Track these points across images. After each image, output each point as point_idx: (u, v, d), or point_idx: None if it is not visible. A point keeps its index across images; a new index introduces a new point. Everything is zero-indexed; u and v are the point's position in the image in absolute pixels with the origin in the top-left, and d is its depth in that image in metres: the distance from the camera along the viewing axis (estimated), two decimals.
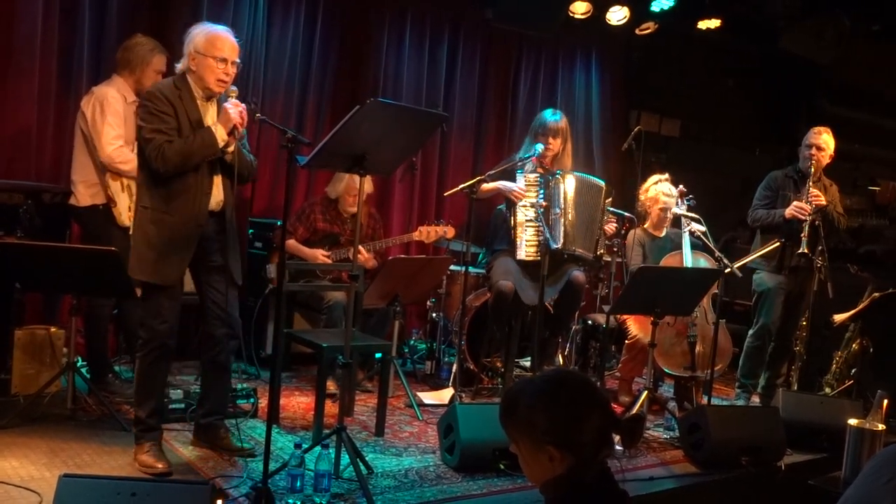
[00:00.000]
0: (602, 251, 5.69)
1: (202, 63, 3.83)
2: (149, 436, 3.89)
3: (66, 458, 3.91)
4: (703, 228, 5.66)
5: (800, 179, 5.88)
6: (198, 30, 3.90)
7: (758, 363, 6.00)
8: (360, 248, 5.26)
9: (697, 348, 5.55)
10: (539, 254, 5.24)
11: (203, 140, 3.78)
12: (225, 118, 3.81)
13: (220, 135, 3.80)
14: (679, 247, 5.75)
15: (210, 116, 3.92)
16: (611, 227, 5.68)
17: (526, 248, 5.39)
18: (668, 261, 5.71)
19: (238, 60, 3.91)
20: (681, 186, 5.87)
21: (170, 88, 3.84)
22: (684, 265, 5.61)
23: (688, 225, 5.72)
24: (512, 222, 5.45)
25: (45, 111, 5.35)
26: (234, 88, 3.91)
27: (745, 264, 5.72)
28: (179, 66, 3.92)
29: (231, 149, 3.87)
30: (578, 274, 5.46)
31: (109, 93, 4.75)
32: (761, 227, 5.99)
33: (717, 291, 5.49)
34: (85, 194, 4.82)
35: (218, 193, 3.96)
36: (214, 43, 3.83)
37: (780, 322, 5.93)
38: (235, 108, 3.82)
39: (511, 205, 5.47)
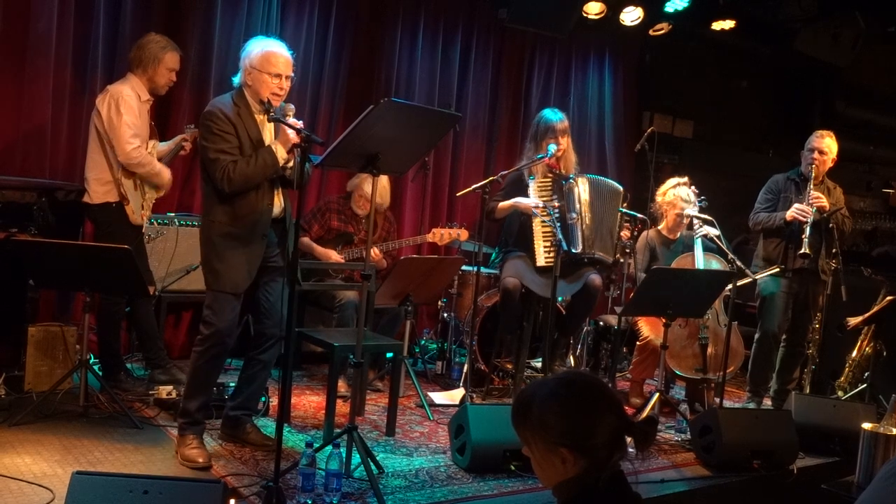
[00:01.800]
0: (618, 254, 5.67)
1: (258, 78, 3.94)
2: (194, 429, 4.00)
3: (79, 454, 3.93)
4: (717, 232, 5.63)
5: (801, 182, 5.83)
6: (253, 45, 4.01)
7: (766, 368, 5.96)
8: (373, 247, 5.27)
9: (709, 350, 5.53)
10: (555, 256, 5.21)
11: (265, 161, 3.90)
12: (284, 137, 3.93)
13: (281, 154, 3.93)
14: (690, 248, 5.73)
15: (268, 129, 4.05)
16: (626, 233, 5.66)
17: (544, 254, 5.37)
18: (679, 262, 5.69)
19: (293, 74, 4.03)
20: (693, 187, 5.85)
21: (229, 105, 3.95)
22: (696, 267, 5.59)
23: (700, 226, 5.70)
24: (530, 230, 5.42)
25: (59, 109, 5.38)
26: (292, 107, 3.99)
27: (755, 278, 5.69)
28: (237, 81, 4.03)
29: (290, 165, 4.00)
30: (595, 277, 5.44)
31: (125, 91, 4.77)
32: (763, 231, 5.95)
33: (728, 293, 5.46)
34: (98, 192, 4.84)
35: (279, 203, 4.11)
36: (269, 59, 3.95)
37: (787, 326, 5.89)
38: (291, 129, 3.90)
39: (528, 216, 5.44)
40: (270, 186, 4.04)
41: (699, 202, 5.80)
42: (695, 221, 5.73)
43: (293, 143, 3.91)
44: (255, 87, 3.96)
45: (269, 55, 3.96)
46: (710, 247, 5.70)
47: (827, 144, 5.77)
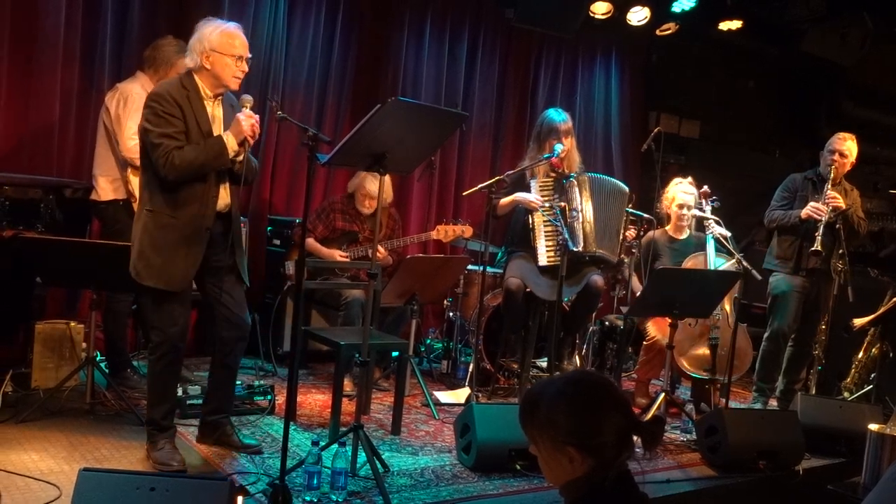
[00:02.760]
0: (623, 254, 5.66)
1: (219, 61, 3.76)
2: (163, 435, 3.89)
3: (85, 451, 3.94)
4: (727, 233, 5.60)
5: (819, 183, 5.81)
6: (210, 27, 3.80)
7: (774, 367, 5.95)
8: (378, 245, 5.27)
9: (719, 351, 5.51)
10: (559, 256, 5.20)
11: (213, 150, 3.72)
12: (237, 129, 3.75)
13: (231, 145, 3.74)
14: (701, 248, 5.71)
15: (217, 116, 3.87)
16: (630, 234, 5.64)
17: (546, 253, 5.37)
18: (691, 262, 5.66)
19: (250, 55, 3.87)
20: (705, 188, 5.82)
21: (177, 88, 3.75)
22: (708, 267, 5.56)
23: (709, 227, 5.67)
24: (531, 227, 5.42)
25: (66, 106, 5.39)
26: (250, 98, 3.84)
27: (759, 277, 5.68)
28: (188, 65, 3.82)
29: (240, 158, 3.82)
30: (597, 278, 5.44)
31: (134, 89, 4.78)
32: (777, 228, 5.94)
33: (737, 294, 5.45)
34: (106, 189, 4.85)
35: (225, 196, 3.91)
36: (231, 41, 3.77)
37: (797, 325, 5.87)
38: (248, 120, 3.75)
39: (530, 213, 5.44)
40: (217, 178, 3.82)
41: (711, 202, 5.77)
42: (706, 222, 5.70)
43: (245, 137, 3.75)
44: (216, 70, 3.75)
45: (228, 35, 3.77)
46: (717, 247, 5.68)
47: (848, 147, 5.74)
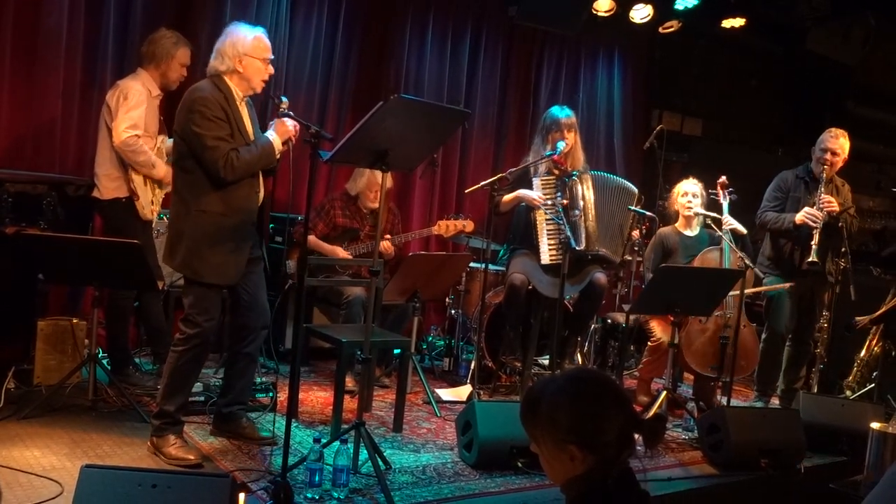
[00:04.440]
0: (627, 254, 5.65)
1: (251, 65, 3.94)
2: (174, 429, 3.92)
3: (87, 448, 3.94)
4: (743, 230, 5.56)
5: (811, 182, 5.75)
6: (240, 32, 3.95)
7: (772, 367, 5.93)
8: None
9: (729, 350, 5.48)
10: (561, 254, 5.19)
11: (265, 151, 3.94)
12: (283, 130, 3.99)
13: (278, 146, 3.97)
14: (714, 244, 5.66)
15: (246, 116, 4.03)
16: (636, 234, 5.63)
17: (549, 252, 5.37)
18: (701, 259, 5.63)
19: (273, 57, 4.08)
20: (723, 178, 5.75)
21: (215, 91, 3.88)
22: (723, 265, 5.51)
23: (727, 225, 5.60)
24: (533, 225, 5.42)
25: (69, 104, 5.40)
26: (286, 100, 4.05)
27: (767, 290, 5.66)
28: (218, 68, 3.94)
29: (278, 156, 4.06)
30: (601, 276, 5.43)
31: (134, 86, 4.78)
32: (770, 232, 5.89)
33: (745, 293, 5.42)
34: (108, 187, 4.85)
35: (261, 191, 4.12)
36: (261, 44, 3.97)
37: (794, 326, 5.85)
38: (292, 122, 3.99)
39: (532, 211, 5.44)
40: (258, 174, 4.06)
41: (729, 193, 5.72)
42: (724, 220, 5.65)
43: (289, 136, 3.99)
44: (249, 73, 3.94)
45: (260, 40, 3.96)
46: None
47: (840, 145, 5.65)
